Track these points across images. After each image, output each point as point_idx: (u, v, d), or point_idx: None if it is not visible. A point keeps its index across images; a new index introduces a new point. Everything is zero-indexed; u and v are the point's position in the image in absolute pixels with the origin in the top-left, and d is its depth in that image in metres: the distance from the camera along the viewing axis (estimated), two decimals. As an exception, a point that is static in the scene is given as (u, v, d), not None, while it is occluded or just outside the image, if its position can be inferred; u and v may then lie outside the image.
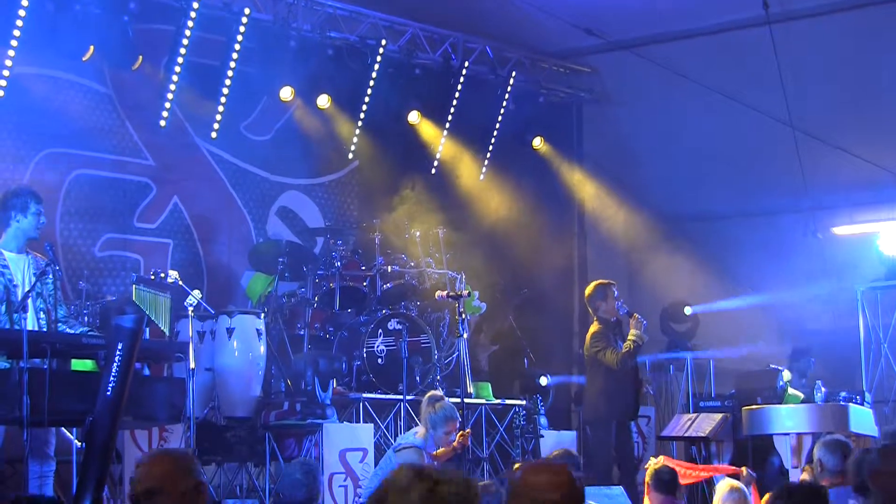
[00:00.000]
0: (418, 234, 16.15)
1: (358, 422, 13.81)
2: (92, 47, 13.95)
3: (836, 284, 17.28)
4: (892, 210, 17.42)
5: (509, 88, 18.26)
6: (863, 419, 13.61)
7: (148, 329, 11.62)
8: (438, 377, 14.94)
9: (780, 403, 14.79)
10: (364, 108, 16.72)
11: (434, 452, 11.31)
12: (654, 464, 10.52)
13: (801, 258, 17.60)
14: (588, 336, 13.89)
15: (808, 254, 17.49)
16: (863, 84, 17.00)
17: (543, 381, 16.47)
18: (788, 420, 13.35)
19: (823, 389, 15.03)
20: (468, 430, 11.87)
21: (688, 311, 18.16)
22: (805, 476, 10.34)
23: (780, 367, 15.79)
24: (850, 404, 13.78)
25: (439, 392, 11.81)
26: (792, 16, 16.46)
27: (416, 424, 12.75)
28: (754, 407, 14.01)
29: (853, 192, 17.63)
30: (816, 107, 16.97)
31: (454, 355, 15.10)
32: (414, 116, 17.31)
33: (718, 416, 15.06)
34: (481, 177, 18.41)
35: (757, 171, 18.23)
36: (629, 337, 13.51)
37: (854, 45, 16.76)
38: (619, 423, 13.78)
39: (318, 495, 8.57)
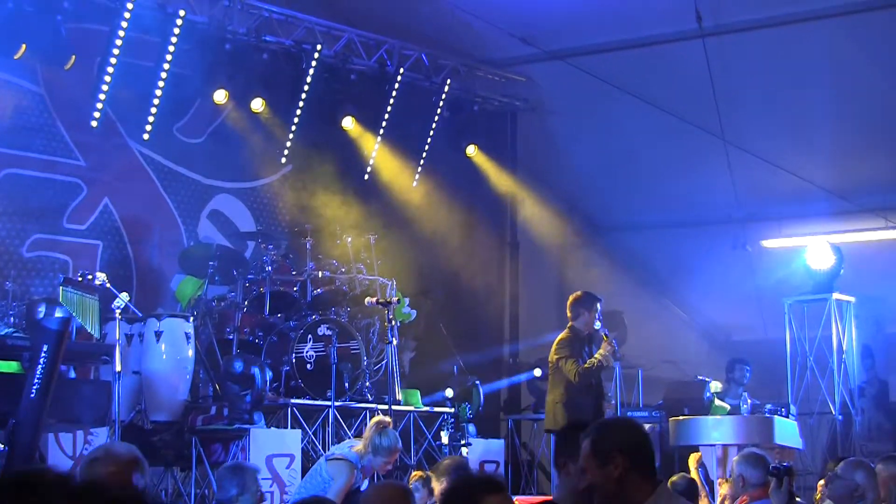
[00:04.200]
0: (350, 239, 16.16)
1: (286, 427, 13.77)
2: (24, 46, 13.84)
3: (765, 296, 17.44)
4: (819, 224, 17.62)
5: (444, 96, 18.28)
6: (787, 431, 13.72)
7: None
8: (367, 383, 14.93)
9: (707, 414, 14.89)
10: (298, 112, 16.69)
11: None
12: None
13: (730, 270, 17.75)
14: (555, 342, 13.57)
15: (738, 266, 17.64)
16: (793, 98, 17.13)
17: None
18: (714, 431, 13.42)
19: (749, 401, 15.15)
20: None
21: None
22: (724, 490, 10.40)
23: (707, 378, 15.89)
24: (776, 416, 13.88)
25: (388, 419, 11.61)
26: (725, 30, 16.56)
27: (343, 430, 12.75)
28: (681, 418, 14.08)
29: (782, 205, 17.81)
30: (748, 120, 17.10)
31: (383, 362, 15.07)
32: (348, 122, 17.30)
33: (646, 427, 15.12)
34: (414, 183, 18.41)
35: (688, 182, 18.35)
36: (596, 355, 13.22)
37: (785, 60, 16.89)
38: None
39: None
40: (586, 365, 13.23)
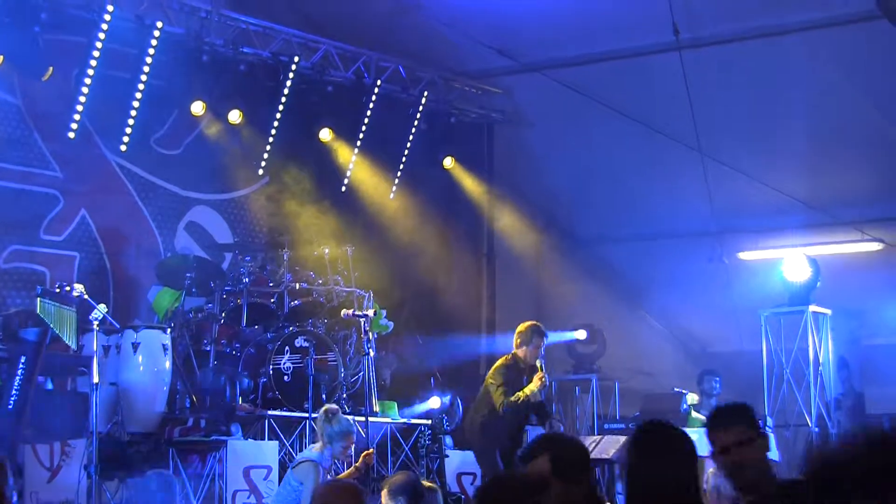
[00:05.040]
0: (327, 251, 16.13)
1: (263, 439, 13.75)
2: (1, 57, 13.81)
3: (741, 309, 17.47)
4: (796, 237, 17.65)
5: (421, 108, 18.29)
6: (764, 443, 13.72)
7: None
8: (344, 395, 14.90)
9: (684, 426, 14.88)
10: (276, 124, 16.67)
11: (339, 475, 11.25)
12: None
13: (707, 282, 17.78)
14: (494, 366, 13.57)
15: (715, 278, 17.67)
16: (770, 111, 17.18)
17: (436, 402, 16.39)
18: (691, 443, 13.40)
19: (726, 413, 15.13)
20: (372, 450, 11.86)
21: (580, 334, 18.38)
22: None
23: (684, 391, 15.91)
24: (752, 428, 13.87)
25: (335, 406, 11.71)
26: (702, 42, 16.61)
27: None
28: (658, 429, 14.05)
29: (759, 218, 17.84)
30: (724, 133, 17.14)
31: (360, 373, 15.06)
32: (325, 134, 17.29)
33: (622, 439, 15.13)
34: (391, 195, 18.41)
35: (665, 194, 18.38)
36: (524, 389, 13.14)
37: (762, 73, 16.95)
38: (502, 451, 13.30)
39: None
40: (511, 398, 13.09)
